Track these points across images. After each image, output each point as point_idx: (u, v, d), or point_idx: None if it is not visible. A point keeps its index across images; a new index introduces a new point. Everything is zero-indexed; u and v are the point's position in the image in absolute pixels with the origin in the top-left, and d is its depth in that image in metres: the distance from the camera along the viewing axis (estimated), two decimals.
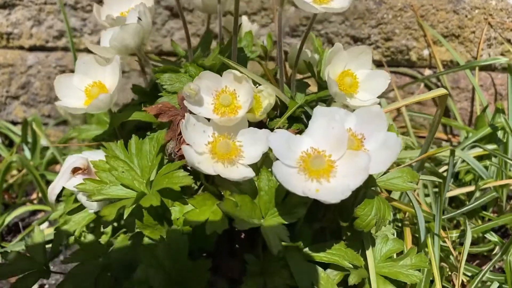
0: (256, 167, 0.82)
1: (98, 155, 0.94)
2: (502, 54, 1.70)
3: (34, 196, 1.58)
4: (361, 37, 1.70)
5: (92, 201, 0.85)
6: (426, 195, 1.39)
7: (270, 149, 0.79)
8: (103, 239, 0.98)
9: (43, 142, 1.79)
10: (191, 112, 0.83)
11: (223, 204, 0.76)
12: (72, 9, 1.66)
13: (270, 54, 1.38)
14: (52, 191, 0.93)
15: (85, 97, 0.93)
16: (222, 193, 0.81)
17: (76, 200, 0.98)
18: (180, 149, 0.84)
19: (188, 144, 0.79)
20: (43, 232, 0.98)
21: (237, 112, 0.83)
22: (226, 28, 1.23)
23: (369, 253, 0.94)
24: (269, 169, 0.83)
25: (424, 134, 1.76)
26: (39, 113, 1.80)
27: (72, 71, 1.48)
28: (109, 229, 1.00)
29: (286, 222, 0.81)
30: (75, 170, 0.90)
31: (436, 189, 1.43)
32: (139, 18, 0.89)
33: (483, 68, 1.73)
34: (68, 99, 0.93)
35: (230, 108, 0.83)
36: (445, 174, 1.50)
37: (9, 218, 1.40)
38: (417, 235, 1.21)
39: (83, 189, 0.86)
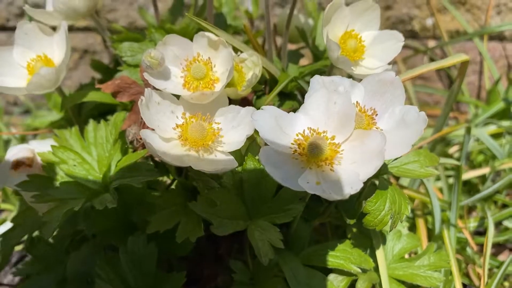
0: (240, 154, 0.64)
1: (48, 145, 0.76)
2: None
3: None
4: None
5: (38, 203, 0.68)
6: (436, 179, 1.24)
7: (256, 132, 0.61)
8: (59, 246, 0.81)
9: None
10: (154, 88, 0.64)
11: (196, 204, 0.59)
12: None
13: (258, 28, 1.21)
14: None
15: (28, 75, 0.75)
16: (198, 188, 0.63)
17: None
18: None
19: (150, 129, 0.61)
20: None
21: (213, 86, 0.65)
22: None
23: (379, 252, 0.78)
24: (256, 157, 0.66)
25: (429, 112, 1.61)
26: (3, 101, 1.61)
27: None
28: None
29: (279, 222, 0.64)
30: (17, 165, 0.73)
31: (448, 173, 1.28)
32: None
33: (492, 38, 1.57)
34: (6, 78, 0.75)
35: (205, 82, 0.65)
36: (456, 155, 1.35)
37: None
38: (429, 227, 1.06)
39: (25, 188, 0.69)
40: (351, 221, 0.70)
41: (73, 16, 0.72)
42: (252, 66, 0.70)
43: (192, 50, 0.67)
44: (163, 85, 0.64)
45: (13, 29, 1.53)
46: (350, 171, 0.56)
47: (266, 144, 0.57)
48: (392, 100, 0.61)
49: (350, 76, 0.70)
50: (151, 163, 0.66)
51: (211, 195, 0.61)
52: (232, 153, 0.63)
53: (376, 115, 0.61)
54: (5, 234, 0.81)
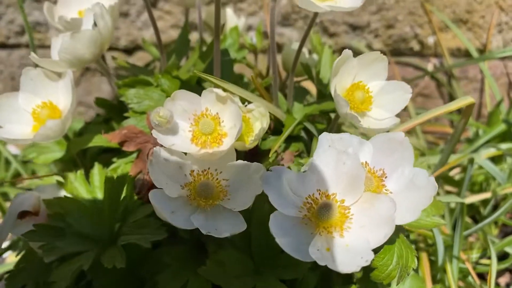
0: (248, 211, 0.64)
1: (53, 190, 0.76)
2: None
3: None
4: (360, 25, 1.52)
5: (46, 256, 0.68)
6: None
7: None
8: None
9: (10, 149, 1.61)
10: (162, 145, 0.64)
11: (205, 270, 0.59)
12: (34, 2, 1.46)
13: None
14: None
15: (33, 122, 0.75)
16: (207, 248, 0.63)
17: None
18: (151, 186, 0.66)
19: (157, 188, 0.61)
20: None
21: (221, 141, 0.65)
22: (207, 23, 1.04)
23: None
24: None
25: (429, 129, 1.61)
26: None
27: None
28: None
29: (288, 278, 0.64)
30: (23, 215, 0.72)
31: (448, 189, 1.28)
32: (95, 24, 0.70)
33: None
34: (12, 125, 0.74)
35: (213, 137, 0.65)
36: (457, 177, 1.35)
37: None
38: (432, 258, 1.07)
39: (32, 238, 0.69)
40: (358, 274, 0.70)
41: (79, 64, 0.72)
42: (259, 116, 0.70)
43: (201, 105, 0.66)
44: (172, 141, 0.64)
45: (13, 46, 1.54)
46: (360, 238, 0.56)
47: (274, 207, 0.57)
48: (401, 160, 0.61)
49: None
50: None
51: (220, 257, 0.61)
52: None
53: (386, 177, 0.61)
54: (9, 278, 0.80)
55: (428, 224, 0.71)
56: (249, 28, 1.49)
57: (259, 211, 0.66)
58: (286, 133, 0.75)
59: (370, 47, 1.56)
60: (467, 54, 1.55)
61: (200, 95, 0.66)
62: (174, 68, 0.78)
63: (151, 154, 0.62)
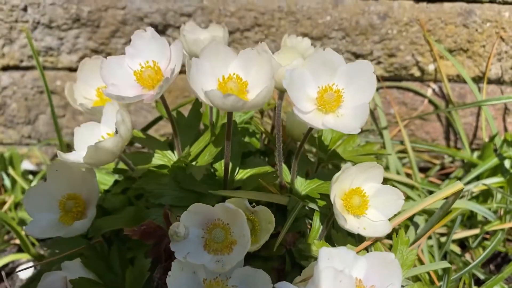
0: None
1: (77, 268, 0.85)
2: None
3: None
4: (363, 53, 1.56)
5: None
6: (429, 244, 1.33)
7: None
8: None
9: (25, 165, 1.69)
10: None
11: None
12: (46, 28, 1.50)
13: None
14: None
15: (60, 212, 0.83)
16: None
17: None
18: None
19: None
20: None
21: (231, 248, 0.73)
22: None
23: None
24: None
25: (424, 149, 1.67)
26: (18, 134, 1.67)
27: (51, 92, 1.36)
28: None
29: None
30: None
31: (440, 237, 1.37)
32: (116, 131, 0.76)
33: (491, 82, 1.62)
34: (44, 214, 0.82)
35: (224, 245, 0.73)
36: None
37: None
38: None
39: None
40: None
41: (101, 164, 0.79)
42: (265, 225, 0.78)
43: (213, 215, 0.74)
44: (187, 249, 0.72)
45: (26, 68, 1.58)
46: None
47: None
48: (390, 278, 0.69)
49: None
50: None
51: None
52: None
53: None
54: None
55: None
56: None
57: None
58: (289, 222, 0.83)
59: None
60: (466, 81, 1.59)
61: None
62: (187, 158, 0.85)
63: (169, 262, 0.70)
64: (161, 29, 1.51)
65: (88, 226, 0.79)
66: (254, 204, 0.79)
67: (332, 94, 0.75)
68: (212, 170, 0.92)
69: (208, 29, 0.99)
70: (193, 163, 0.89)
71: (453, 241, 1.39)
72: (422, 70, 1.60)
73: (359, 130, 0.70)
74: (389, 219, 0.78)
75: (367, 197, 0.79)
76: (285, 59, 0.83)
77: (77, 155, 0.78)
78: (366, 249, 0.85)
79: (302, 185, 0.94)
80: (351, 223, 0.76)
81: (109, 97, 0.75)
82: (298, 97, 0.74)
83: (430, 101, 1.66)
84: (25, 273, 1.37)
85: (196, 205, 0.73)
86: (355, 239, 0.86)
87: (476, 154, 1.64)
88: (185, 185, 0.85)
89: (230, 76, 0.75)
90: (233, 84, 0.73)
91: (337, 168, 1.18)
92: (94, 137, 0.84)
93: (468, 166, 1.57)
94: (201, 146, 0.89)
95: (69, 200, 0.82)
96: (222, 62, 0.75)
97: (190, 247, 0.73)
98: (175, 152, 0.93)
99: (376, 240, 0.83)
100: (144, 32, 0.81)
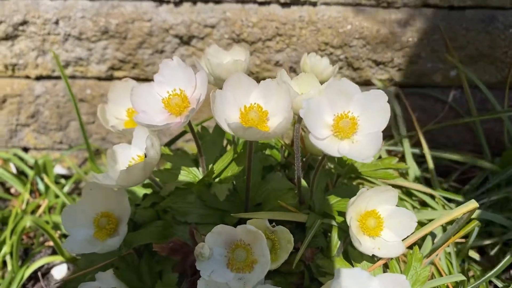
0: None
1: (112, 280, 0.91)
2: None
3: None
4: (383, 61, 1.58)
5: None
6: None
7: None
8: None
9: (57, 169, 1.78)
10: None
11: None
12: (76, 40, 1.57)
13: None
14: None
15: (94, 228, 0.90)
16: None
17: None
18: None
19: None
20: None
21: (252, 267, 0.79)
22: None
23: None
24: None
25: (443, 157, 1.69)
26: (51, 140, 1.76)
27: (81, 100, 1.44)
28: None
29: None
30: None
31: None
32: (145, 155, 0.82)
33: None
34: (79, 229, 0.89)
35: (245, 264, 0.79)
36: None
37: (29, 271, 1.41)
38: None
39: None
40: None
41: (132, 185, 0.85)
42: (285, 241, 0.83)
43: (236, 236, 0.79)
44: (211, 268, 0.78)
45: (57, 78, 1.66)
46: None
47: None
48: None
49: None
50: None
51: None
52: None
53: None
54: None
55: None
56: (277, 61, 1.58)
57: None
58: (308, 239, 0.87)
59: (391, 80, 1.63)
60: (488, 86, 1.60)
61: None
62: (210, 177, 0.90)
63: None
64: (186, 40, 1.56)
65: (120, 242, 0.86)
66: (274, 224, 0.84)
67: (347, 121, 0.79)
68: (233, 187, 0.97)
69: (231, 52, 1.04)
70: (216, 179, 0.95)
71: (472, 248, 1.42)
72: (443, 76, 1.62)
73: (372, 159, 0.74)
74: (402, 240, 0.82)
75: (382, 219, 0.83)
76: (303, 85, 0.87)
77: (110, 179, 0.84)
78: (385, 265, 0.90)
79: (320, 202, 0.98)
80: (365, 245, 0.81)
81: (139, 124, 0.80)
82: (315, 125, 0.78)
83: (450, 107, 1.67)
84: (59, 273, 1.46)
85: (220, 226, 0.78)
86: (371, 256, 0.90)
87: (497, 160, 1.65)
88: (209, 204, 0.90)
89: (252, 106, 0.80)
90: (254, 114, 0.78)
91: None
92: (125, 159, 0.90)
93: (489, 173, 1.58)
94: (225, 163, 0.95)
95: (102, 217, 0.88)
96: (244, 93, 0.80)
97: (214, 265, 0.79)
98: (200, 168, 0.99)
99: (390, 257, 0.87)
100: (171, 61, 0.86)
